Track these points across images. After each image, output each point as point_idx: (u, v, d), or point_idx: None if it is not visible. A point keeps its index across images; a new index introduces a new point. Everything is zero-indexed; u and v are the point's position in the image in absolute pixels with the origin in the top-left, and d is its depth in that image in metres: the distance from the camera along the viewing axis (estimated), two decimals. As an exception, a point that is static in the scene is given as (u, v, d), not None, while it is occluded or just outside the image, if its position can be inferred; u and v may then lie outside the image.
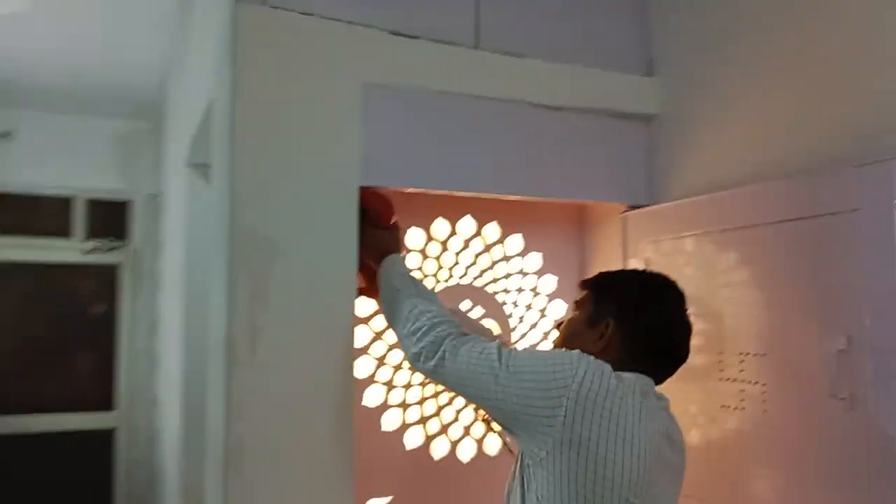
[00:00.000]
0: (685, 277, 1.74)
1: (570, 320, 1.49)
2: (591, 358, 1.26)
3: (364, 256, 1.66)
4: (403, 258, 1.62)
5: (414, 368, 1.44)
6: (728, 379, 1.66)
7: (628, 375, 1.29)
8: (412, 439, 1.90)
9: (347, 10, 1.69)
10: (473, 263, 2.02)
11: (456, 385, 1.36)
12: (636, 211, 1.97)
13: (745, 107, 1.73)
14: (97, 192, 4.75)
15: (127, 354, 4.72)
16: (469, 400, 1.43)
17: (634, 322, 1.37)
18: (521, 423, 1.27)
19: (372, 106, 1.69)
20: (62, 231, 4.70)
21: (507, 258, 2.06)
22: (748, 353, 1.61)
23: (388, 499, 1.89)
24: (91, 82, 4.21)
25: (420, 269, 1.95)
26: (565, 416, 1.20)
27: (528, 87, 1.87)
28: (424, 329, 1.41)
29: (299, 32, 1.63)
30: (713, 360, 1.70)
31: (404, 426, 1.90)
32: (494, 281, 2.04)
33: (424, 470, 1.94)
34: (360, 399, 1.85)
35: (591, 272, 2.07)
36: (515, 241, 2.07)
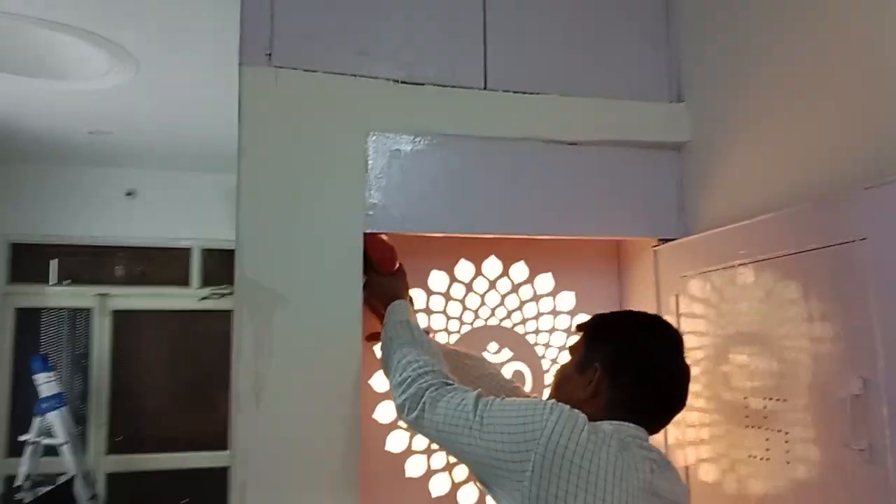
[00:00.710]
0: (711, 316, 1.63)
1: (562, 366, 1.45)
2: (566, 408, 1.20)
3: (371, 303, 1.69)
4: (406, 304, 1.63)
5: (400, 420, 1.44)
6: (753, 426, 1.52)
7: (606, 426, 1.22)
8: (438, 486, 1.87)
9: (352, 66, 1.75)
10: (500, 304, 1.99)
11: (436, 437, 1.34)
12: (666, 245, 1.87)
13: (772, 132, 1.60)
14: (212, 242, 5.11)
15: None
16: (449, 453, 1.40)
17: (622, 367, 1.31)
18: (495, 478, 1.23)
19: (376, 154, 1.72)
20: (182, 280, 5.09)
21: (536, 298, 2.00)
22: (771, 398, 1.47)
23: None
24: (201, 142, 4.58)
25: (444, 311, 1.94)
26: (532, 471, 1.15)
27: (540, 123, 1.83)
28: (409, 380, 1.40)
29: (303, 88, 1.70)
30: (739, 405, 1.56)
31: (429, 472, 1.87)
32: (524, 322, 1.99)
33: (453, 517, 1.90)
34: (384, 444, 1.85)
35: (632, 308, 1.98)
36: (545, 281, 2.01)
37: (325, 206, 1.68)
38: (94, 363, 4.89)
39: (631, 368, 1.30)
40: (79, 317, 4.93)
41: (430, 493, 1.87)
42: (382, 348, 1.56)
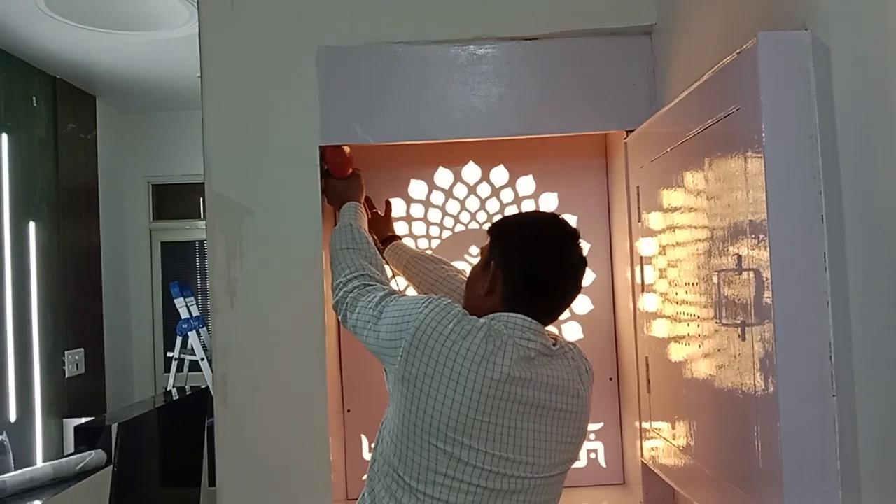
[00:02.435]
0: (656, 206, 1.60)
1: (474, 266, 1.49)
2: (444, 301, 1.28)
3: (332, 206, 1.80)
4: (354, 206, 1.72)
5: None
6: (680, 312, 1.47)
7: (484, 319, 1.27)
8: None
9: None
10: (481, 208, 2.01)
11: (356, 335, 1.43)
12: (630, 135, 1.79)
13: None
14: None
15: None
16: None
17: (513, 264, 1.34)
18: (385, 364, 1.34)
19: (329, 67, 1.80)
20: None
21: (518, 201, 2.01)
22: (687, 283, 1.42)
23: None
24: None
25: (425, 218, 2.01)
26: (401, 355, 1.24)
27: (495, 21, 1.81)
28: (340, 284, 1.51)
29: (256, 9, 1.81)
30: (672, 290, 1.52)
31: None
32: (506, 225, 2.01)
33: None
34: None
35: (616, 208, 1.94)
36: (527, 183, 2.00)
37: (281, 123, 1.79)
38: (229, 288, 5.44)
39: (519, 265, 1.33)
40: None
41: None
42: (330, 252, 1.67)
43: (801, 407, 1.04)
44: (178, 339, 4.90)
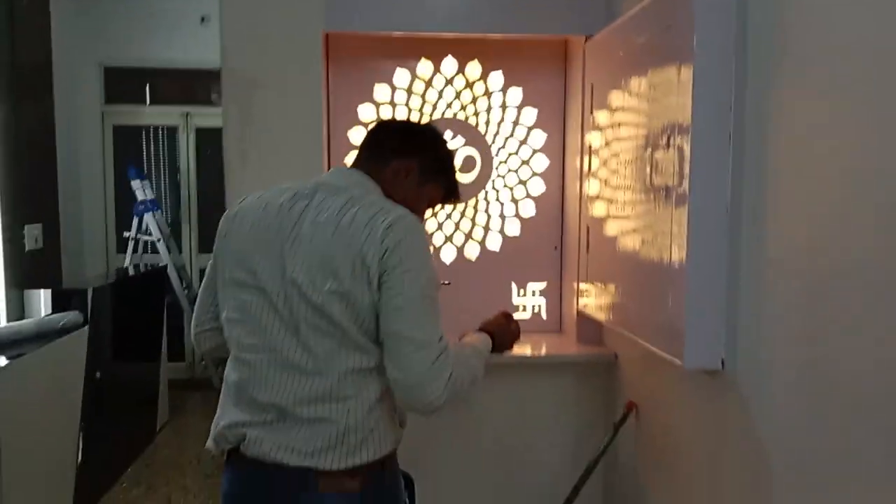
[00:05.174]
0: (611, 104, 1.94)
1: None
2: None
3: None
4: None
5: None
6: (617, 190, 1.87)
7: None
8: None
9: None
10: (456, 98, 2.34)
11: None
12: (591, 40, 2.13)
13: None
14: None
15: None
16: None
17: None
18: None
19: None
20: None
21: (488, 94, 2.34)
22: (626, 161, 1.80)
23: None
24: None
25: (407, 104, 2.32)
26: None
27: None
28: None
29: None
30: (612, 175, 1.90)
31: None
32: (476, 114, 2.35)
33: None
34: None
35: (571, 105, 2.29)
36: (496, 78, 2.33)
37: (291, 8, 2.05)
38: (182, 174, 5.57)
39: None
40: (167, 134, 5.57)
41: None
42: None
43: (702, 274, 1.44)
44: (135, 220, 5.05)
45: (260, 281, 1.21)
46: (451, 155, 1.42)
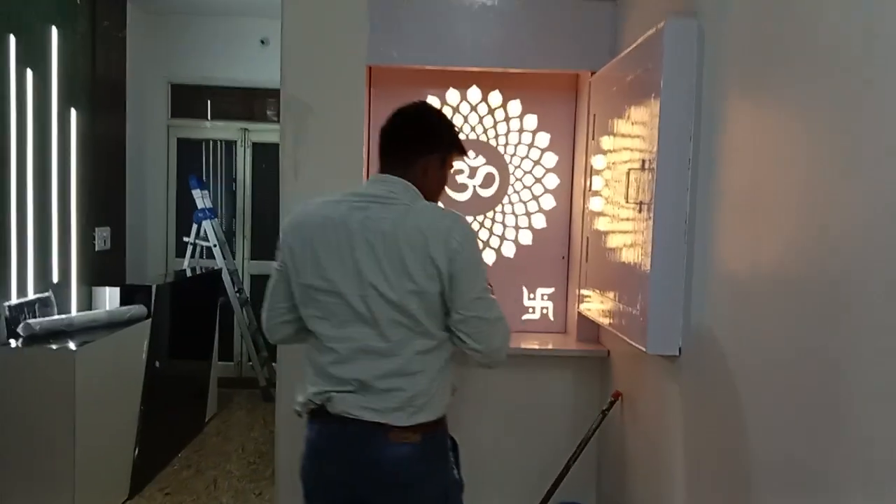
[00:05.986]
0: (606, 132, 2.26)
1: None
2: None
3: None
4: None
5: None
6: (611, 205, 2.18)
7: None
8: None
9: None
10: (479, 123, 2.68)
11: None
12: (595, 75, 2.46)
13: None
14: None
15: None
16: None
17: None
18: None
19: (376, 7, 2.42)
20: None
21: (507, 119, 2.68)
22: (616, 181, 2.12)
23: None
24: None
25: (436, 127, 2.67)
26: None
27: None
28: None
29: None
30: (609, 193, 2.22)
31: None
32: (496, 137, 2.69)
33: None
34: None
35: (578, 131, 2.62)
36: (515, 105, 2.67)
37: (338, 45, 2.42)
38: (238, 185, 6.00)
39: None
40: (226, 147, 6.01)
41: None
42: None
43: (664, 275, 1.75)
44: (194, 227, 5.46)
45: (336, 286, 1.45)
46: (451, 124, 1.64)
